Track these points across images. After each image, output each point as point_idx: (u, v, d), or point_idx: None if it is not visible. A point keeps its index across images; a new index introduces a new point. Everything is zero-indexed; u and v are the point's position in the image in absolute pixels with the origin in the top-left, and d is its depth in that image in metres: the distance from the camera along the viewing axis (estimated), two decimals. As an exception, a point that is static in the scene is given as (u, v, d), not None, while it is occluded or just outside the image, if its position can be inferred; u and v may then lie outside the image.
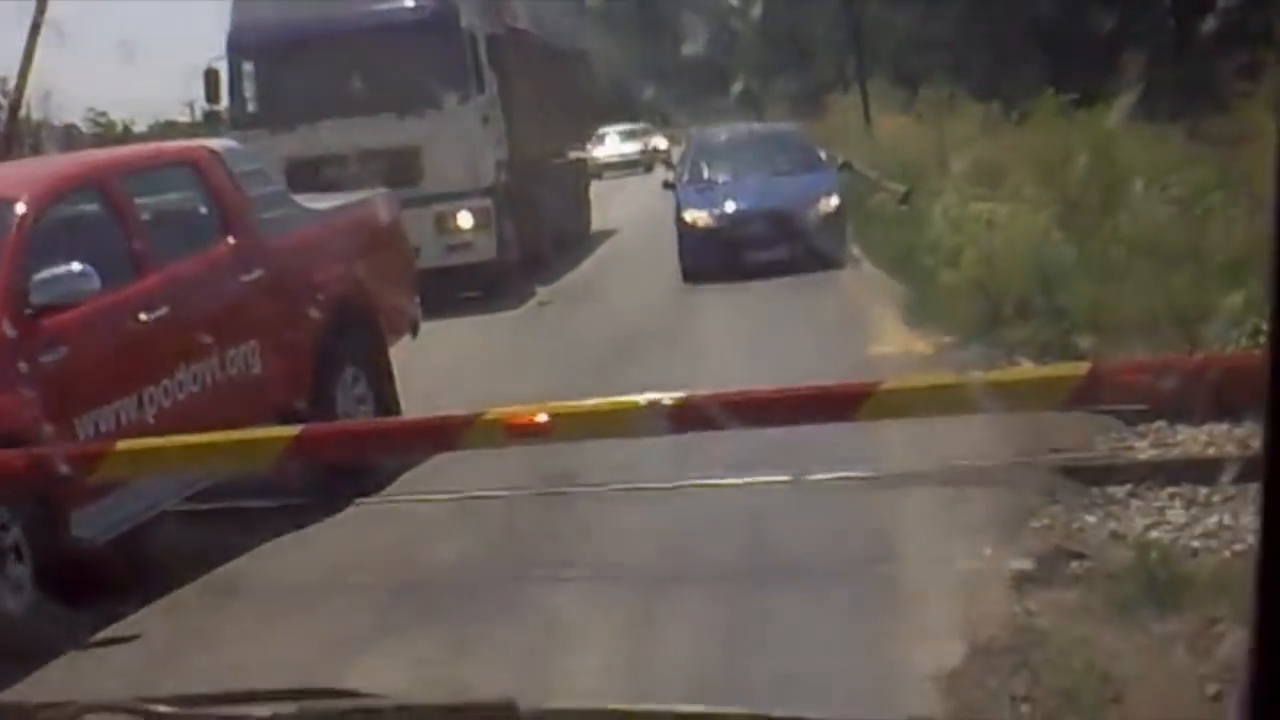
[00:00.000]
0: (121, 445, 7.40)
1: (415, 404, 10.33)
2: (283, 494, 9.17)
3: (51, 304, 7.94)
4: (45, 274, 7.93)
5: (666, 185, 22.45)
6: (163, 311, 8.65)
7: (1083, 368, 6.86)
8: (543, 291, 20.09)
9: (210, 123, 23.58)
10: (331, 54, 19.62)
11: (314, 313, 9.92)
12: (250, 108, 20.39)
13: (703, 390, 7.06)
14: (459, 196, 19.58)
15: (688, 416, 6.67)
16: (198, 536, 8.73)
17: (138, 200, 9.19)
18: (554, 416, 6.83)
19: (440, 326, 16.81)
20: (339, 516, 9.24)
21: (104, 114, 55.96)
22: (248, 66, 20.36)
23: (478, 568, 8.09)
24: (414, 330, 11.59)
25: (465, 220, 19.68)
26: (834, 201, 19.96)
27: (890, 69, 47.45)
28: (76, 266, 8.01)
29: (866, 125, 37.01)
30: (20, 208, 8.26)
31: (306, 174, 18.69)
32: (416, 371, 12.36)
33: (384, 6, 19.79)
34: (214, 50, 20.35)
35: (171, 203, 10.01)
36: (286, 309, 9.71)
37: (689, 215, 20.09)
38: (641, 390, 6.28)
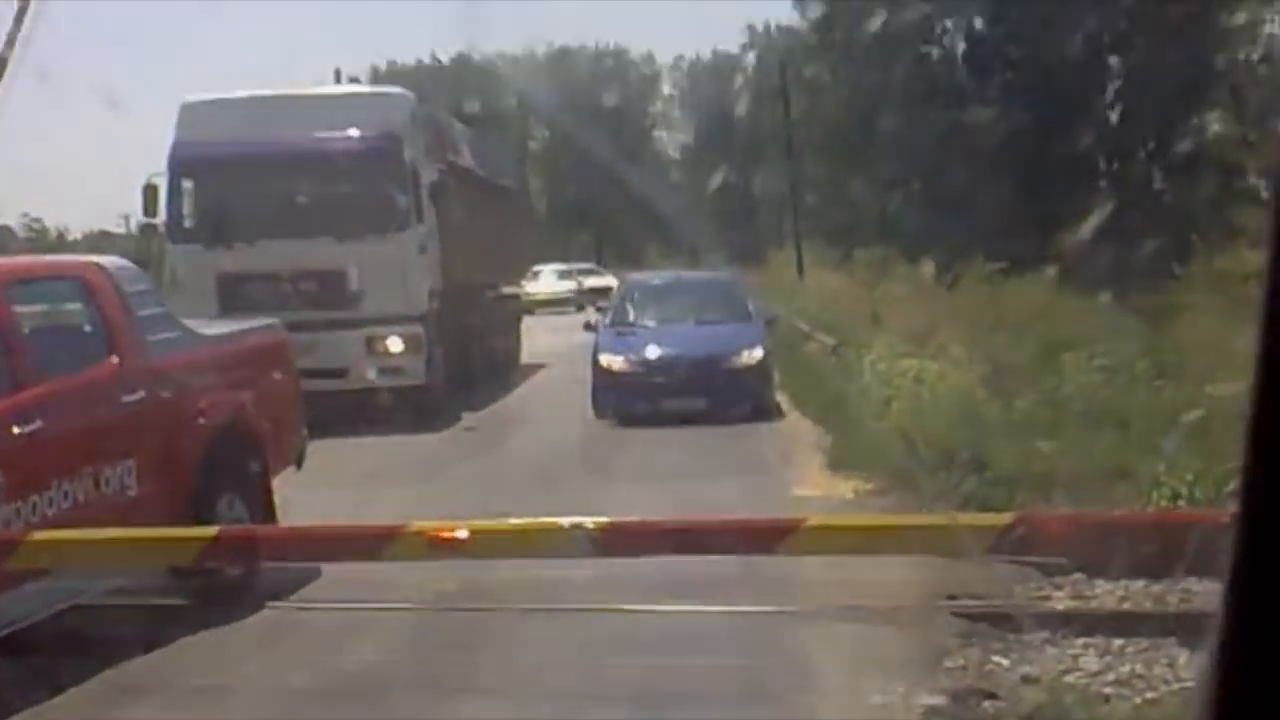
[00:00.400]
0: (38, 536, 7.35)
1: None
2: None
3: None
4: None
5: (588, 327, 21.90)
6: (37, 425, 8.26)
7: (1005, 518, 6.91)
8: (469, 418, 20.10)
9: (146, 235, 23.57)
10: (273, 175, 19.85)
11: (195, 438, 9.61)
12: (187, 223, 20.38)
13: (626, 517, 7.09)
14: (391, 321, 19.61)
15: (610, 542, 6.68)
16: (102, 631, 8.61)
17: (21, 311, 8.79)
18: (474, 533, 6.84)
19: (364, 444, 16.83)
20: (248, 620, 9.17)
21: (39, 219, 56.13)
22: (188, 182, 20.36)
23: (384, 678, 8.02)
24: (299, 462, 11.28)
25: (395, 344, 19.75)
26: (757, 354, 19.48)
27: (827, 228, 48.18)
28: None
29: (800, 279, 37.49)
30: None
31: (239, 291, 18.82)
32: (330, 487, 12.33)
33: (329, 134, 19.89)
34: (156, 165, 20.34)
35: (57, 317, 9.68)
36: (167, 432, 9.39)
37: (604, 359, 19.56)
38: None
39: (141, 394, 9.23)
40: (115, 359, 9.26)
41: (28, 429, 8.18)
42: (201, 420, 9.67)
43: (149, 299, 9.97)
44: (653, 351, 19.45)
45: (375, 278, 19.51)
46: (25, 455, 8.14)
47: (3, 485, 7.85)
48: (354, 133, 20.00)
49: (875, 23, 38.90)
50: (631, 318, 20.87)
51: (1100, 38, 40.40)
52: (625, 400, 18.99)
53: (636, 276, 24.54)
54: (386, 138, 19.97)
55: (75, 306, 9.54)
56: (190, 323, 10.55)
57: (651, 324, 20.55)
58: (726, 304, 20.91)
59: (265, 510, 10.15)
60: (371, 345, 19.61)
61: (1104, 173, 40.97)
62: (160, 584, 9.09)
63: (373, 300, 19.56)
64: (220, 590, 9.33)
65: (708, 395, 18.65)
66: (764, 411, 18.82)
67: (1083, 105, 39.50)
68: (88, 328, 9.45)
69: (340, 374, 19.21)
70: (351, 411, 18.23)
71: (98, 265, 9.77)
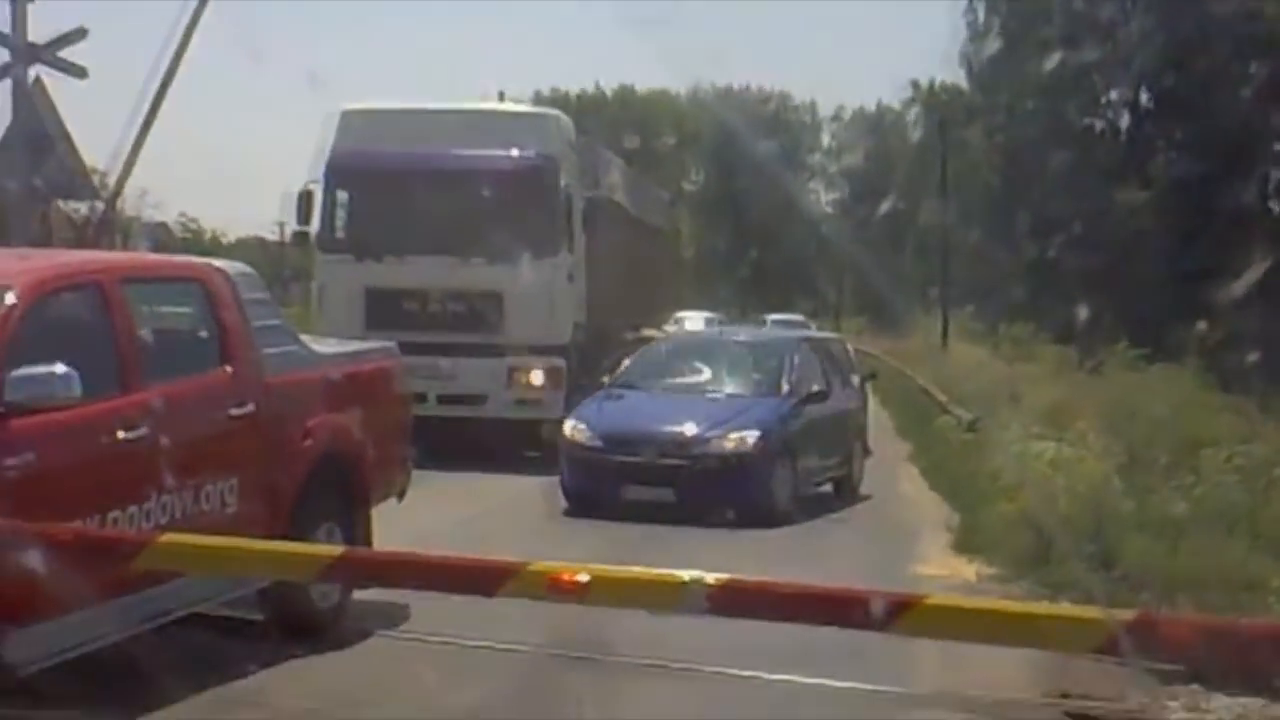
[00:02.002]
0: (167, 538, 7.36)
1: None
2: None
3: (25, 404, 7.36)
4: (24, 371, 7.36)
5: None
6: (143, 431, 8.03)
7: (1128, 615, 6.80)
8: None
9: (299, 243, 23.74)
10: (427, 190, 19.89)
11: (300, 459, 9.32)
12: (339, 233, 20.48)
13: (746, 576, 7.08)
14: (534, 351, 19.53)
15: (728, 600, 6.63)
16: (211, 646, 8.72)
17: (137, 311, 8.58)
18: (595, 579, 6.84)
19: (490, 481, 16.70)
20: (360, 646, 9.31)
21: (195, 220, 57.09)
22: (342, 191, 20.48)
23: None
24: (400, 494, 10.82)
25: (537, 377, 19.69)
26: (749, 437, 15.82)
27: (975, 301, 47.92)
28: (60, 369, 7.45)
29: (943, 348, 37.32)
30: (10, 297, 7.68)
31: (386, 305, 19.06)
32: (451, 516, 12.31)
33: (487, 152, 19.96)
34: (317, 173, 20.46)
35: (173, 319, 9.50)
36: (272, 451, 9.08)
37: (568, 427, 16.52)
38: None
39: (251, 408, 8.97)
40: (228, 368, 9.04)
41: (133, 435, 7.99)
42: (308, 442, 9.41)
43: (267, 309, 9.69)
44: (615, 424, 16.27)
45: (522, 304, 19.52)
46: (128, 463, 7.96)
47: (109, 484, 7.78)
48: (511, 152, 20.05)
49: (1041, 68, 38.56)
50: (635, 379, 17.68)
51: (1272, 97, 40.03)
52: (587, 481, 16.00)
53: (684, 331, 20.99)
54: (543, 159, 20.01)
55: (193, 310, 9.35)
56: (306, 338, 10.33)
57: (651, 389, 17.25)
58: (761, 371, 17.51)
59: (364, 542, 9.69)
60: (513, 376, 19.54)
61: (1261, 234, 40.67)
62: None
63: (517, 327, 19.54)
64: (309, 616, 9.32)
65: (677, 485, 15.46)
66: (757, 511, 15.25)
67: (1245, 165, 39.08)
68: (203, 333, 9.23)
69: (480, 401, 19.39)
70: (485, 442, 18.31)
71: (219, 270, 9.50)
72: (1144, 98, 45.04)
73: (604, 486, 15.68)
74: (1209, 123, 38.00)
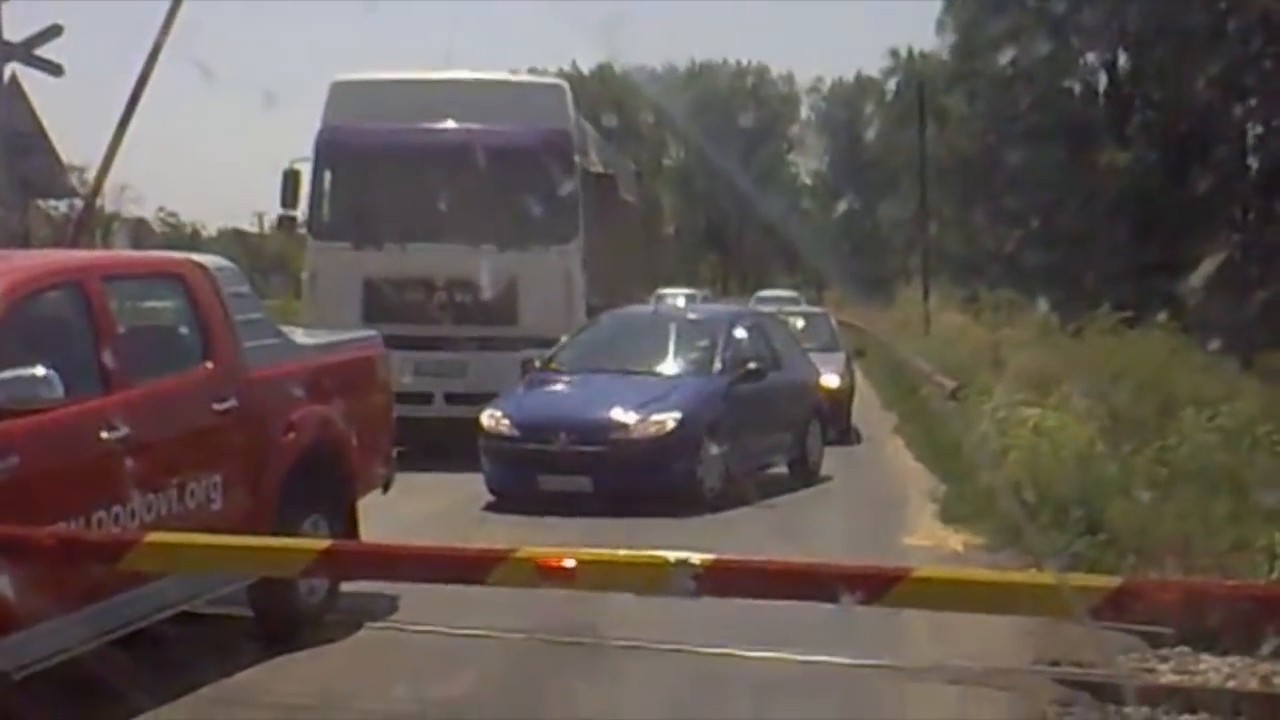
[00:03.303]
0: (152, 537, 7.35)
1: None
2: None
3: (7, 407, 7.33)
4: (4, 374, 7.35)
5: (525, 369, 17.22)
6: (126, 431, 7.96)
7: (1114, 581, 6.84)
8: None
9: (284, 228, 22.60)
10: (432, 168, 18.12)
11: (284, 453, 9.26)
12: (331, 218, 18.80)
13: (732, 555, 7.10)
14: (546, 343, 17.30)
15: (715, 580, 6.65)
16: (204, 641, 8.73)
17: (118, 309, 8.56)
18: (581, 563, 6.85)
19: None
20: (350, 639, 9.31)
21: (174, 214, 57.08)
22: (336, 171, 18.77)
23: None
24: (385, 486, 10.71)
25: None
26: (670, 421, 15.06)
27: (953, 263, 47.99)
28: (40, 370, 7.45)
29: (925, 319, 37.41)
30: None
31: (386, 297, 17.66)
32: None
33: (496, 127, 18.14)
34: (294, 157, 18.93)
35: (154, 315, 9.51)
36: (255, 445, 9.05)
37: (485, 417, 15.55)
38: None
39: (233, 403, 8.92)
40: (209, 364, 8.97)
41: (116, 435, 7.94)
42: (291, 435, 9.35)
43: (248, 302, 9.59)
44: (533, 411, 15.57)
45: (537, 293, 18.05)
46: (112, 463, 7.88)
47: (93, 485, 7.76)
48: (522, 125, 18.26)
49: (1012, 52, 38.87)
50: (564, 362, 16.70)
51: (1239, 80, 40.16)
52: (506, 472, 15.32)
53: (620, 312, 19.07)
54: (558, 134, 18.40)
55: (173, 305, 9.34)
56: (289, 329, 10.28)
57: (579, 371, 16.41)
58: (693, 349, 16.68)
59: (350, 535, 9.64)
60: (528, 369, 17.05)
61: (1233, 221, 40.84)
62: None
63: (532, 318, 18.02)
64: (298, 610, 9.34)
65: (594, 473, 14.79)
66: (681, 498, 14.50)
67: (1216, 150, 39.22)
68: (183, 329, 9.20)
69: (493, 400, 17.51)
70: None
71: (199, 264, 9.37)
72: (1121, 59, 45.17)
73: (520, 477, 15.08)
74: (1181, 114, 38.23)
